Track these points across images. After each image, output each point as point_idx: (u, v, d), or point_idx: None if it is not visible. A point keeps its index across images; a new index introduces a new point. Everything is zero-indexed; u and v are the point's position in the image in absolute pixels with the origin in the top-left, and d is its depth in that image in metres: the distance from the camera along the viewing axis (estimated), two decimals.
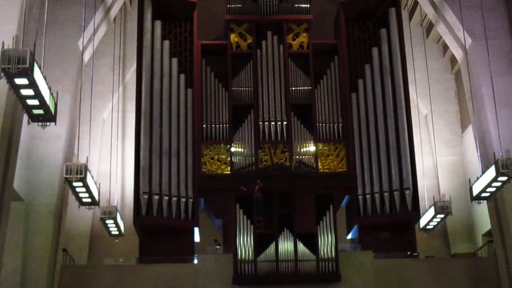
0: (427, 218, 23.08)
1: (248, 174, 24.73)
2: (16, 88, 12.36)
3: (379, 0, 26.44)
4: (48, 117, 13.48)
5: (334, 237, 21.58)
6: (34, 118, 13.55)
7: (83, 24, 21.17)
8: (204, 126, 25.42)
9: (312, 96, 25.93)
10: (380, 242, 24.49)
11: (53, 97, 13.37)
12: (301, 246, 21.51)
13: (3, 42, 12.24)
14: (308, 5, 26.88)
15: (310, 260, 21.42)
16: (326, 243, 21.54)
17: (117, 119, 26.02)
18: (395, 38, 25.99)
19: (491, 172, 17.86)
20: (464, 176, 26.55)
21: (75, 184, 17.40)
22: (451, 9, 23.39)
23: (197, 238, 24.98)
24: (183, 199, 24.16)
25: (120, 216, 22.77)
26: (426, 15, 26.47)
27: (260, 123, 25.28)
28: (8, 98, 16.44)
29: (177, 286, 22.39)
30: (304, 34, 26.64)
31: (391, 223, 24.47)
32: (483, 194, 18.96)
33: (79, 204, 18.99)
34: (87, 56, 23.76)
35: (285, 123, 25.27)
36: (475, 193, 19.08)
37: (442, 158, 27.10)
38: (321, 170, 25.28)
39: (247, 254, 21.44)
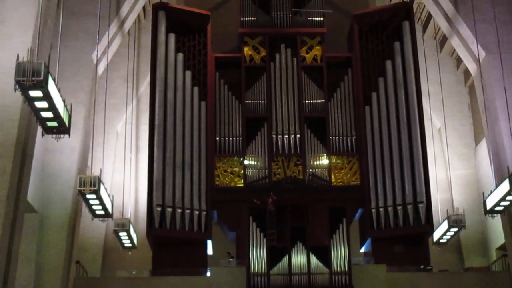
0: (441, 231, 23.00)
1: (261, 187, 24.70)
2: (31, 100, 12.42)
3: (393, 13, 26.44)
4: (62, 129, 13.54)
5: (347, 250, 21.52)
6: (48, 131, 13.61)
7: (97, 37, 21.28)
8: (218, 138, 25.43)
9: (326, 109, 25.89)
10: (393, 255, 24.34)
11: (67, 109, 13.43)
12: (314, 259, 21.44)
13: (18, 55, 12.34)
14: (322, 18, 26.89)
15: (323, 273, 21.34)
16: (339, 256, 21.47)
17: (130, 132, 26.09)
18: (409, 51, 25.93)
19: (505, 185, 17.80)
20: (478, 189, 26.41)
21: (88, 196, 17.47)
22: (465, 23, 23.33)
23: (210, 251, 24.98)
24: (196, 212, 24.16)
25: (133, 228, 22.81)
26: (439, 28, 26.43)
27: (274, 136, 25.26)
28: (22, 111, 16.53)
29: None
30: (318, 47, 26.63)
31: (404, 236, 24.35)
32: (497, 208, 18.91)
33: (92, 216, 19.05)
34: (101, 69, 23.88)
35: (298, 136, 25.23)
36: (489, 206, 19.02)
37: (455, 172, 27.01)
38: (334, 183, 25.22)
39: (260, 267, 21.39)
